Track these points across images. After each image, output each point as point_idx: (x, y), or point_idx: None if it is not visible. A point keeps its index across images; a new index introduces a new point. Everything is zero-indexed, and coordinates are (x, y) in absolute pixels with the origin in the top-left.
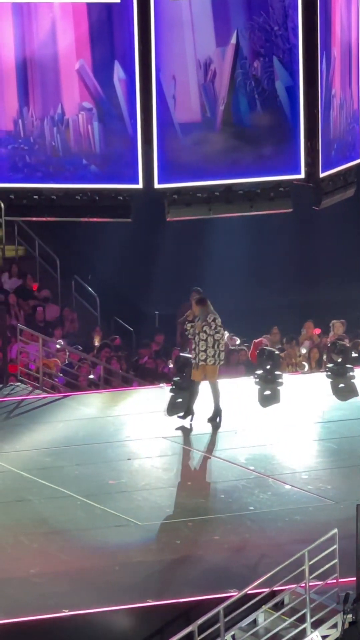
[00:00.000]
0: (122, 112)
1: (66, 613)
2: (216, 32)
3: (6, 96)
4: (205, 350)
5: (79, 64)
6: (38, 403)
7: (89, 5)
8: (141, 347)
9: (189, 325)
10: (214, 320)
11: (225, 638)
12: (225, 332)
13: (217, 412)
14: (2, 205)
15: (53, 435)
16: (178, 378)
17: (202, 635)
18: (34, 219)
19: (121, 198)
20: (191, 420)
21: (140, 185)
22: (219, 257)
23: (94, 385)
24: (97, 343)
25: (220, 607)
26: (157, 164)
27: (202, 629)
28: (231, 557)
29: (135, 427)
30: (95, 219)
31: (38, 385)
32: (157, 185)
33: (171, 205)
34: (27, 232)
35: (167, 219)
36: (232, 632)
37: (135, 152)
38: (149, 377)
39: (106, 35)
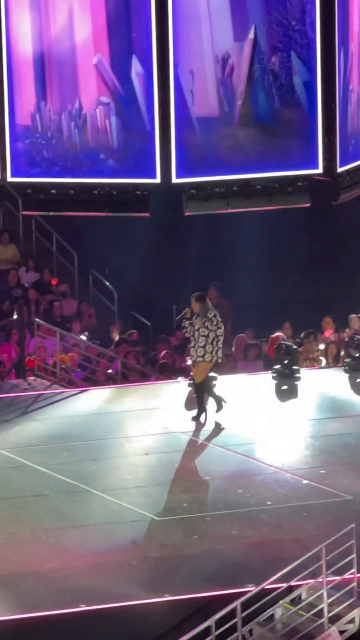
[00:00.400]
0: (140, 107)
1: (83, 608)
2: (234, 27)
3: (24, 91)
4: (204, 346)
5: (96, 59)
6: (55, 398)
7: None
8: (159, 342)
9: (187, 322)
10: (214, 316)
11: (243, 633)
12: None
13: (218, 403)
14: (20, 199)
15: (70, 430)
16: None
17: (220, 630)
18: (52, 213)
19: (139, 193)
20: (205, 418)
21: (158, 180)
22: (237, 252)
23: (111, 380)
24: (115, 338)
25: (238, 602)
26: (175, 158)
27: (219, 624)
28: (248, 552)
29: (153, 422)
30: (112, 214)
31: (55, 379)
32: (174, 180)
33: (189, 199)
34: (44, 226)
35: (185, 214)
36: (250, 627)
37: (153, 146)
38: (167, 372)
39: (124, 29)
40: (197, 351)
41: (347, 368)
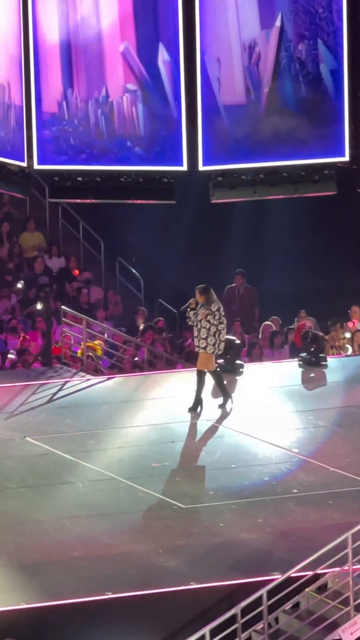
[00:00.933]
0: (167, 94)
1: (109, 596)
2: (260, 14)
3: (50, 78)
4: (206, 338)
5: (123, 46)
6: (81, 385)
7: None
8: (185, 330)
9: (191, 312)
10: (218, 309)
11: (269, 621)
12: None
13: (199, 402)
14: (46, 187)
15: (96, 418)
16: (223, 360)
17: (245, 618)
18: (78, 201)
19: (165, 180)
20: (200, 410)
21: (184, 168)
22: (264, 239)
23: (137, 368)
24: (141, 325)
25: (264, 590)
26: (202, 146)
27: (245, 612)
28: (274, 540)
29: (179, 410)
30: (139, 201)
31: (81, 367)
32: (201, 168)
33: (216, 187)
34: (71, 214)
35: (212, 201)
36: (276, 615)
37: (180, 134)
38: (193, 359)
39: (150, 17)
40: (200, 342)
41: None
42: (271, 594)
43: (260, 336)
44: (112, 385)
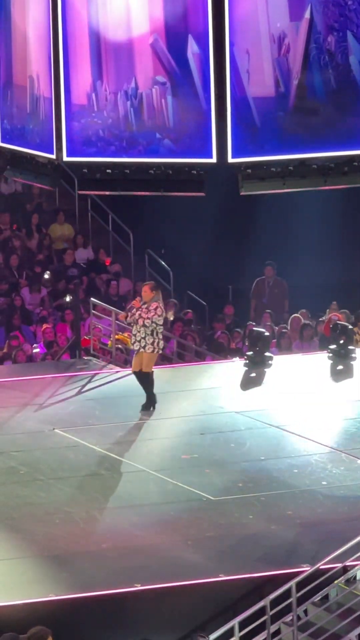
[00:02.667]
0: (196, 87)
1: (138, 587)
2: (290, 6)
3: (80, 70)
4: (144, 337)
5: (152, 38)
6: (110, 377)
7: None
8: (215, 322)
9: (135, 310)
10: (155, 309)
11: (298, 613)
12: (164, 318)
13: (152, 401)
14: (76, 179)
15: (125, 410)
16: (252, 352)
17: (274, 610)
18: (107, 193)
19: (195, 172)
20: (153, 408)
21: (214, 160)
22: (294, 232)
23: (167, 360)
24: (171, 318)
25: (293, 582)
26: (231, 138)
27: (274, 604)
28: (303, 532)
29: (208, 402)
30: (168, 193)
31: (111, 359)
32: (230, 160)
33: (245, 179)
34: (100, 206)
35: (241, 193)
36: (304, 607)
37: (209, 126)
38: (222, 351)
39: (180, 9)
40: (140, 342)
41: None
42: (300, 586)
43: (289, 328)
44: None
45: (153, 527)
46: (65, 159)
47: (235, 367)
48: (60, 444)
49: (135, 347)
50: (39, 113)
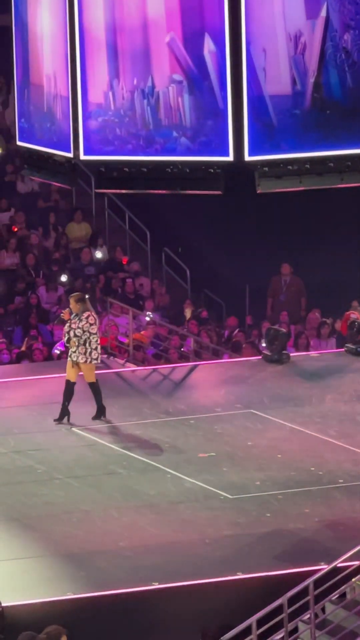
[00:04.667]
0: (213, 85)
1: (156, 586)
2: (306, 4)
3: (96, 69)
4: (77, 348)
5: (169, 37)
6: (127, 376)
7: None
8: (230, 321)
9: (66, 325)
10: (87, 318)
11: (315, 611)
12: (95, 328)
13: (101, 411)
14: (93, 177)
15: (143, 408)
16: (269, 350)
17: (292, 608)
18: (124, 191)
19: (212, 170)
20: (68, 420)
21: (230, 158)
22: (311, 230)
23: (184, 358)
24: (187, 316)
25: (310, 580)
26: (248, 136)
27: (291, 601)
28: (321, 530)
29: (226, 400)
30: (185, 192)
31: (128, 357)
32: (247, 158)
33: (262, 177)
34: (117, 204)
35: (258, 192)
36: (322, 605)
37: (226, 124)
38: (239, 350)
39: (196, 7)
40: (72, 354)
41: None
42: (318, 584)
43: (306, 326)
44: (159, 375)
45: (171, 525)
46: (83, 157)
47: (252, 365)
48: (77, 442)
49: (73, 357)
50: (56, 112)
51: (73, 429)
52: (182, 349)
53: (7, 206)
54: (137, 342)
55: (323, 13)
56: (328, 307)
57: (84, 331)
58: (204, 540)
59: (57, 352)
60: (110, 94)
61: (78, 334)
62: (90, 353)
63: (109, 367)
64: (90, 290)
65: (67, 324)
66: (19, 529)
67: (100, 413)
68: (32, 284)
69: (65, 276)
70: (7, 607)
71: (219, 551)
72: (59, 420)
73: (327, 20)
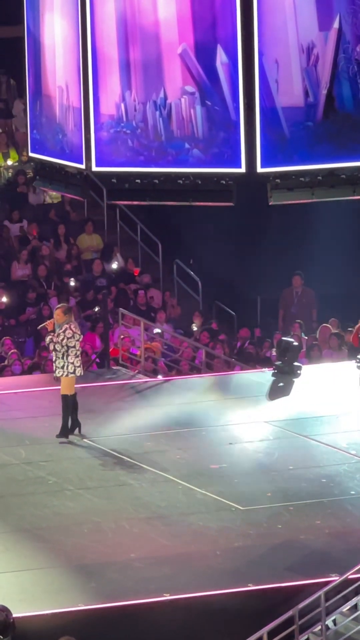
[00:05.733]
0: (225, 96)
1: (167, 597)
2: (319, 16)
3: (109, 80)
4: (56, 361)
5: (181, 48)
6: (139, 387)
7: None
8: (242, 332)
9: (48, 338)
10: (64, 331)
11: (326, 623)
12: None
13: (72, 425)
14: (104, 189)
15: (154, 420)
16: (280, 362)
17: (303, 620)
18: (136, 203)
19: (224, 182)
20: (79, 431)
21: (242, 170)
22: (322, 242)
23: (195, 370)
24: (195, 328)
25: (321, 592)
26: (260, 148)
27: (302, 613)
28: (332, 542)
29: (237, 412)
30: (197, 203)
31: (139, 369)
32: (259, 170)
33: (274, 189)
34: (129, 216)
35: (270, 203)
36: (333, 617)
37: (238, 136)
38: (251, 361)
39: (208, 19)
40: (55, 368)
41: None
42: (329, 595)
43: (318, 337)
44: (170, 387)
45: (182, 537)
46: (95, 168)
47: (263, 377)
48: (89, 454)
49: (57, 373)
50: (68, 123)
51: (85, 440)
52: (195, 361)
53: (18, 217)
54: (149, 354)
55: (336, 25)
56: (339, 319)
57: (62, 345)
58: (215, 551)
59: None
60: (123, 105)
61: (57, 348)
62: (68, 367)
63: (120, 379)
64: (101, 302)
65: (49, 337)
66: (29, 539)
67: (74, 427)
68: (43, 295)
69: (78, 284)
70: (17, 618)
71: (230, 562)
72: (68, 434)
73: (340, 32)
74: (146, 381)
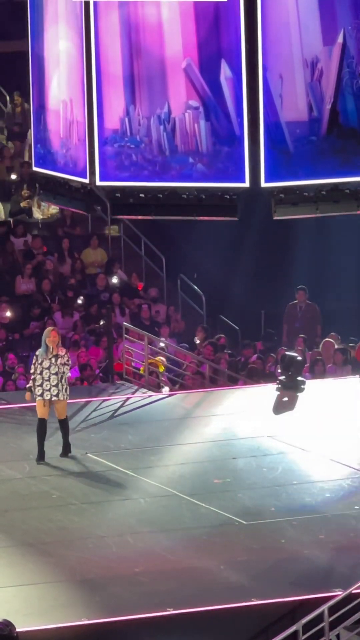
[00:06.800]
0: (229, 111)
1: (171, 612)
2: (323, 31)
3: (113, 95)
4: (56, 385)
5: (185, 63)
6: (143, 402)
7: (195, 4)
8: (244, 348)
9: (39, 365)
10: (65, 353)
11: (330, 637)
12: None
13: (68, 447)
14: (109, 203)
15: (158, 434)
16: (284, 377)
17: (307, 635)
18: (140, 217)
19: (228, 197)
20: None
21: (246, 184)
22: (326, 256)
23: (200, 377)
24: (197, 341)
25: (325, 607)
26: (264, 162)
27: (306, 628)
28: (336, 557)
29: (241, 426)
30: (201, 218)
31: (143, 383)
32: (263, 184)
33: (278, 204)
34: (133, 230)
35: (274, 218)
36: (337, 632)
37: (242, 150)
38: (255, 376)
39: (213, 34)
40: (51, 390)
41: None
42: (333, 610)
43: (322, 352)
44: (174, 401)
45: (186, 551)
46: (99, 183)
47: (267, 391)
48: (93, 468)
49: (46, 396)
50: (72, 137)
51: (88, 454)
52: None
53: (22, 232)
54: (152, 369)
55: (340, 39)
56: (343, 334)
57: (59, 370)
58: (219, 566)
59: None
60: (127, 119)
61: (54, 371)
62: (66, 389)
63: (124, 393)
64: (105, 316)
65: (46, 362)
66: (34, 554)
67: (67, 450)
68: (47, 309)
69: (82, 298)
70: (21, 632)
71: (234, 577)
72: (39, 459)
73: (344, 46)
74: (150, 395)
